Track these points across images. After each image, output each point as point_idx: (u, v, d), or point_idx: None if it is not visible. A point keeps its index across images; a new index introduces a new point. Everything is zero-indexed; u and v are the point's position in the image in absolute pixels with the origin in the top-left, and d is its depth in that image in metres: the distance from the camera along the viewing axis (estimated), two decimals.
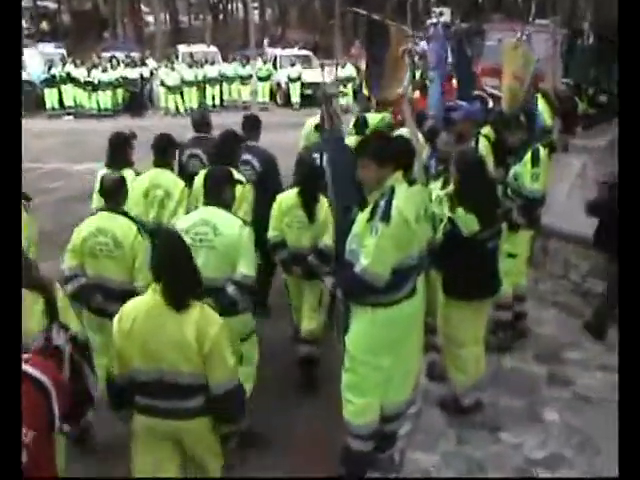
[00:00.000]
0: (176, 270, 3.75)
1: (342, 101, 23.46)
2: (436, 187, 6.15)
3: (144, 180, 6.44)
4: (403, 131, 7.70)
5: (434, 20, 8.80)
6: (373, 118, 10.27)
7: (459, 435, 5.39)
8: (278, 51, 31.10)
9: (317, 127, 8.03)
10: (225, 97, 27.77)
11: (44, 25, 55.56)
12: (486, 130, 7.96)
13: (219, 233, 4.90)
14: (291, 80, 27.41)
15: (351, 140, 9.84)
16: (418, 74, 16.78)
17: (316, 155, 7.20)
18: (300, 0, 58.19)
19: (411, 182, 4.69)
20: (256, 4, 56.47)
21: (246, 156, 7.11)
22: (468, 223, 5.23)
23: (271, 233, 6.22)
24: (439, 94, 8.77)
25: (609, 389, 5.80)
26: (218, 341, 3.69)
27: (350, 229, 4.44)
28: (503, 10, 33.28)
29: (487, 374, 5.79)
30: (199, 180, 6.07)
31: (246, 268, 4.91)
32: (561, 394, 6.01)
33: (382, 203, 4.26)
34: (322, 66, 28.74)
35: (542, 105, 12.18)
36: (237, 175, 5.74)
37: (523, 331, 7.12)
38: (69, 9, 53.81)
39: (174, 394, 3.74)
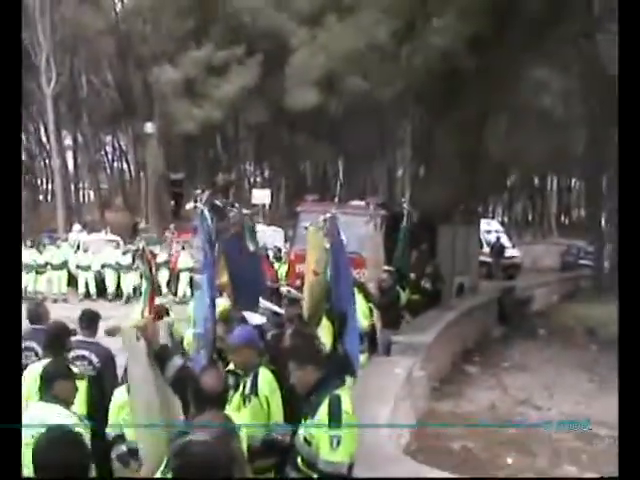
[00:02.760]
0: None
1: None
2: None
3: None
4: None
5: (196, 203, 6.52)
6: None
7: None
8: (82, 236, 28.32)
9: None
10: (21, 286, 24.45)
11: None
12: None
13: None
14: (80, 268, 24.79)
15: None
16: None
17: None
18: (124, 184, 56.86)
19: None
20: (79, 184, 54.62)
21: (82, 351, 6.86)
22: None
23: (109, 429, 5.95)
24: (208, 306, 6.44)
25: None
26: None
27: None
28: (318, 191, 32.67)
29: None
30: (31, 375, 5.53)
31: None
32: None
33: None
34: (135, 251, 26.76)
35: (357, 301, 10.32)
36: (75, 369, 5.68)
37: None
38: None
39: None
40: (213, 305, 6.53)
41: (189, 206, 6.93)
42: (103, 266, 24.60)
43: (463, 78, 21.40)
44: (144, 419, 5.09)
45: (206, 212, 6.48)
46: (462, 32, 18.75)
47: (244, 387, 5.62)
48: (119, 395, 5.97)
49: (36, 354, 7.04)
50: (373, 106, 31.19)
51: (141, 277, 6.77)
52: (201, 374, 4.79)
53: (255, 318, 7.06)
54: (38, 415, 4.53)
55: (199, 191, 6.67)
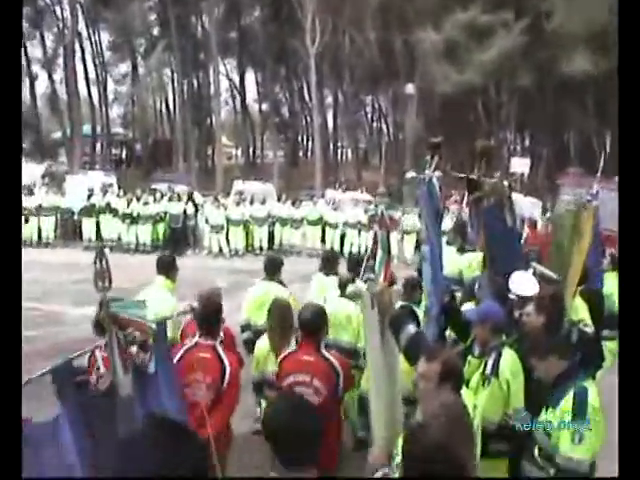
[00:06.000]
0: None
1: None
2: None
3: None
4: None
5: (425, 172, 6.12)
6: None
7: None
8: (338, 194, 28.88)
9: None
10: (276, 240, 25.48)
11: (119, 152, 56.19)
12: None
13: None
14: (329, 225, 25.38)
15: None
16: None
17: None
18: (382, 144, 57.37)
19: None
20: (337, 143, 55.98)
21: None
22: None
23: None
24: (430, 280, 6.10)
25: None
26: None
27: None
28: (580, 164, 30.78)
29: None
30: None
31: None
32: None
33: None
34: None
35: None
36: None
37: None
38: (153, 137, 54.47)
39: None
40: (438, 279, 6.18)
41: (409, 175, 6.57)
42: (345, 224, 25.05)
43: None
44: (374, 386, 5.01)
45: (435, 180, 6.09)
46: None
47: (485, 367, 5.26)
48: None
49: None
50: None
51: (375, 243, 6.41)
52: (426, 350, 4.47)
53: (523, 287, 6.54)
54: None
55: (428, 157, 6.23)
